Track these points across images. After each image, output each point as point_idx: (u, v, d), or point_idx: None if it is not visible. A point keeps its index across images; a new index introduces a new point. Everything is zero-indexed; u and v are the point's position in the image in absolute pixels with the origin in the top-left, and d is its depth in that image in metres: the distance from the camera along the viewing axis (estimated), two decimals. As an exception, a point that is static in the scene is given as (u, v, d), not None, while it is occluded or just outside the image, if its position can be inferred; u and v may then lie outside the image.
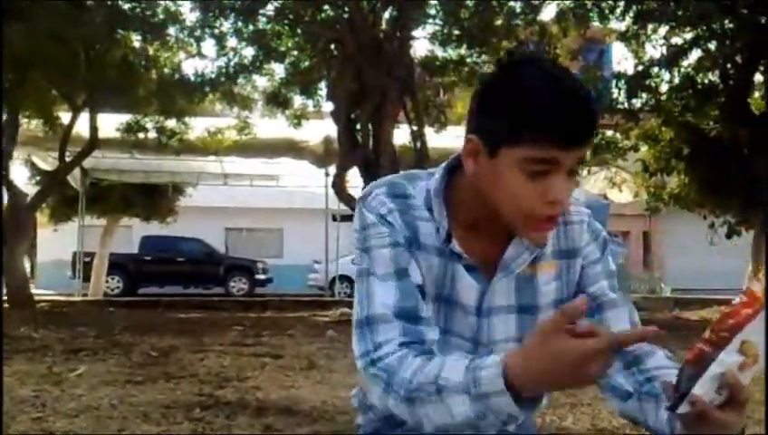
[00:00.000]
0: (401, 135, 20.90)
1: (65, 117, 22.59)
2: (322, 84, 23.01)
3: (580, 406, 7.38)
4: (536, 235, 2.03)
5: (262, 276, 33.94)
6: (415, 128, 20.66)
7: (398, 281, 2.07)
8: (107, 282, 30.68)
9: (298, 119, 23.91)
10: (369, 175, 18.57)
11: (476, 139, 1.98)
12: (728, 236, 23.47)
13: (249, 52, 22.55)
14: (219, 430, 6.39)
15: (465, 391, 1.78)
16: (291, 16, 21.36)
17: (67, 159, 22.87)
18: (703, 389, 1.74)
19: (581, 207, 2.28)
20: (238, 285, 32.92)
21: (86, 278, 29.13)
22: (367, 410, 2.39)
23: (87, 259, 29.22)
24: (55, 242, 30.88)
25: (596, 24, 22.59)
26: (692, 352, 1.78)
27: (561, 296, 2.22)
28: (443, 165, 2.19)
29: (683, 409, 1.76)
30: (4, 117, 20.34)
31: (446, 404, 1.81)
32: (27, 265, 25.82)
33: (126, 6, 20.96)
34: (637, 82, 21.83)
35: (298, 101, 24.50)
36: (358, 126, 20.07)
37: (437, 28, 21.87)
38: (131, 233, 35.01)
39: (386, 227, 2.10)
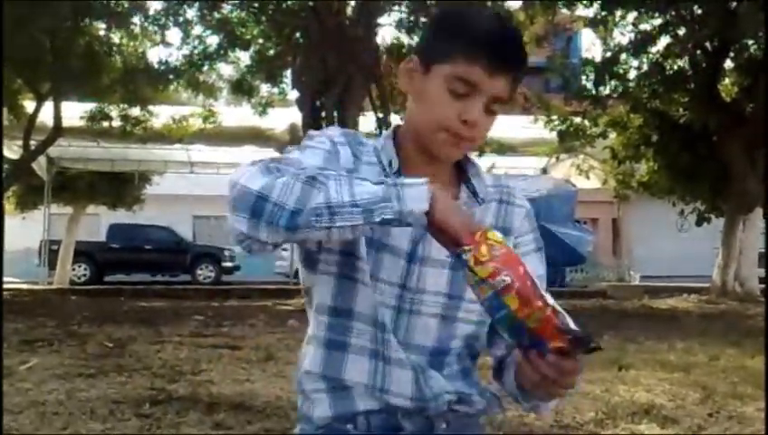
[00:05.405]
0: (367, 122, 20.79)
1: (30, 105, 22.52)
2: (287, 72, 22.96)
3: (542, 402, 7.19)
4: (447, 150, 2.11)
5: (229, 264, 33.72)
6: (380, 115, 20.62)
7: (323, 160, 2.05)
8: (73, 270, 30.49)
9: (263, 107, 23.89)
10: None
11: (415, 58, 2.16)
12: (698, 224, 23.58)
13: (214, 40, 22.55)
14: (167, 428, 6.24)
15: (380, 182, 1.82)
16: (256, 4, 21.32)
17: (32, 148, 22.78)
18: None
19: (526, 200, 2.37)
20: (205, 273, 32.72)
21: (53, 266, 29.06)
22: (307, 420, 2.27)
23: (54, 247, 29.24)
24: (24, 230, 30.65)
25: (564, 10, 22.55)
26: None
27: None
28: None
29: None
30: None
31: (352, 183, 1.80)
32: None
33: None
34: (605, 69, 21.86)
35: (263, 88, 24.59)
36: (323, 113, 19.96)
37: (403, 15, 21.77)
38: (99, 221, 34.99)
39: (331, 145, 2.13)
